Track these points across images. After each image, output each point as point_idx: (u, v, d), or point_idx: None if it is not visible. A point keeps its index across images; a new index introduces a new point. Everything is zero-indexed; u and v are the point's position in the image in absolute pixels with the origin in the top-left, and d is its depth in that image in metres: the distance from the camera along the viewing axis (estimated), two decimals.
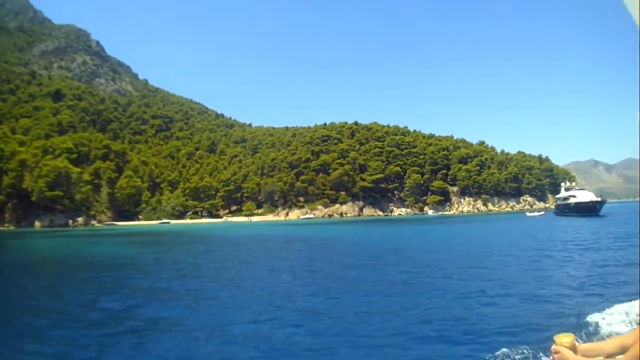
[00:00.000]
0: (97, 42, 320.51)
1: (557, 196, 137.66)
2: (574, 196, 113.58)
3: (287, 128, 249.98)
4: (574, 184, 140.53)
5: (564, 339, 2.72)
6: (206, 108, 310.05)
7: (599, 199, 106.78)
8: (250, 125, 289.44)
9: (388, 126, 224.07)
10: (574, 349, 2.92)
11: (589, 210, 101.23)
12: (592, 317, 12.17)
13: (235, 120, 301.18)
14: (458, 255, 32.17)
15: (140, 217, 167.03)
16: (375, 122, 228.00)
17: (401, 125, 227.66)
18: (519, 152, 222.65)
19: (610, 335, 10.32)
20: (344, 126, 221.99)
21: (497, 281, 20.05)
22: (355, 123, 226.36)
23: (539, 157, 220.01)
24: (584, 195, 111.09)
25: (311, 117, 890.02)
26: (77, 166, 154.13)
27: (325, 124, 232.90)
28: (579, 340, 3.28)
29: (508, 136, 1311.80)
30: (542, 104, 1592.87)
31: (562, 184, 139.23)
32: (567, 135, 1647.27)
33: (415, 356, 10.81)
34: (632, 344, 2.69)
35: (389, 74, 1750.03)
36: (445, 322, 13.41)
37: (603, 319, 12.06)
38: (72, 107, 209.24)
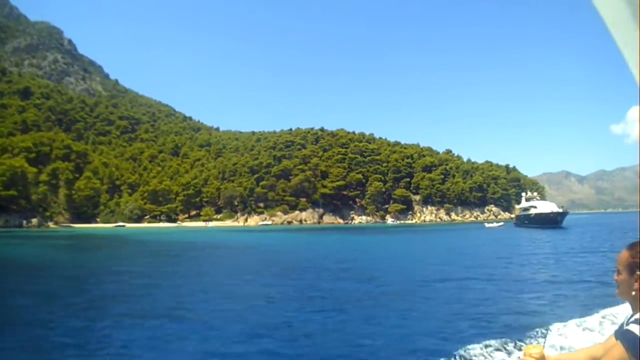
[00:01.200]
0: (70, 41, 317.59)
1: (518, 206, 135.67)
2: (535, 207, 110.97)
3: (253, 133, 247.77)
4: (535, 194, 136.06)
5: (532, 350, 2.77)
6: (174, 110, 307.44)
7: (560, 210, 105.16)
8: (217, 129, 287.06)
9: (353, 133, 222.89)
10: (542, 359, 2.85)
11: (549, 221, 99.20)
12: (561, 329, 11.99)
13: (202, 123, 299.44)
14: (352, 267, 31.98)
15: (98, 219, 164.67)
16: (341, 129, 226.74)
17: (367, 133, 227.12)
18: (486, 162, 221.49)
19: (579, 346, 9.00)
20: (308, 132, 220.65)
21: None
22: (322, 129, 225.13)
23: (506, 166, 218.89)
24: (545, 206, 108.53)
25: (280, 123, 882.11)
26: (36, 166, 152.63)
27: (291, 129, 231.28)
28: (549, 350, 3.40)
29: (478, 146, 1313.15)
30: (514, 115, 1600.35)
31: (523, 194, 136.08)
32: (539, 146, 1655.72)
33: None
34: (602, 356, 2.67)
35: (359, 80, 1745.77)
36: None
37: (572, 329, 12.02)
38: (38, 106, 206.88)
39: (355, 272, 29.54)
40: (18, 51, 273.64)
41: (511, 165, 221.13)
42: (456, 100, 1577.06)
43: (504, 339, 11.23)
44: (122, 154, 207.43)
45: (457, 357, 10.30)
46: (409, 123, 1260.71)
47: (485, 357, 10.23)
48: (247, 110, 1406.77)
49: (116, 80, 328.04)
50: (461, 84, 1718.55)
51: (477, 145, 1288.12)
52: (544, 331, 11.62)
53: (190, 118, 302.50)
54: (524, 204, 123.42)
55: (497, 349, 10.58)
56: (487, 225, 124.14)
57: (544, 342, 3.94)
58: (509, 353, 10.34)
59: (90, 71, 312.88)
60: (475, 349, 10.60)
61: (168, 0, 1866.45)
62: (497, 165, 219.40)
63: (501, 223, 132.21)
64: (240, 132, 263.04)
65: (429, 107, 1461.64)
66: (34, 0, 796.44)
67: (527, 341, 10.88)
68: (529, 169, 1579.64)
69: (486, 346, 10.75)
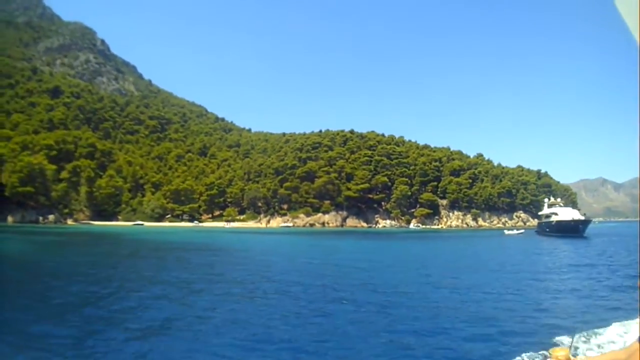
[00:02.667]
0: (103, 41, 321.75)
1: (540, 213, 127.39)
2: (556, 214, 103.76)
3: (284, 134, 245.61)
4: (559, 200, 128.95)
5: (559, 352, 2.90)
6: (206, 111, 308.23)
7: (582, 218, 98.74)
8: (249, 130, 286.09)
9: (383, 135, 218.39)
10: None
11: (570, 230, 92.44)
12: (587, 334, 12.71)
13: (234, 124, 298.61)
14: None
15: (119, 217, 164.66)
16: (372, 131, 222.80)
17: (397, 136, 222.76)
18: (518, 167, 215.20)
19: (604, 351, 10.74)
20: (337, 134, 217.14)
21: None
22: (351, 131, 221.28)
23: (538, 172, 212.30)
24: (566, 213, 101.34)
25: (312, 125, 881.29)
26: (58, 164, 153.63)
27: (320, 131, 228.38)
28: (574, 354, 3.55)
29: (512, 152, 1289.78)
30: (551, 121, 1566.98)
31: (546, 200, 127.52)
32: (576, 153, 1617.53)
33: None
34: (626, 359, 2.70)
35: (392, 84, 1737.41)
36: None
37: (597, 335, 12.69)
38: (68, 105, 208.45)
39: (308, 275, 29.45)
40: (50, 51, 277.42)
41: (543, 171, 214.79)
42: (491, 106, 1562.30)
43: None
44: (149, 152, 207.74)
45: None
46: (441, 128, 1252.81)
47: None
48: (280, 113, 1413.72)
49: (149, 81, 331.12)
50: (497, 91, 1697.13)
51: (511, 151, 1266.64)
52: (568, 338, 11.91)
53: (222, 119, 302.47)
54: (545, 210, 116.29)
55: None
56: (506, 232, 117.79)
57: (570, 346, 3.91)
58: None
59: (123, 71, 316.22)
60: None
61: (207, 3, 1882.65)
62: (529, 170, 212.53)
63: (521, 231, 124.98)
64: (271, 134, 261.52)
65: (462, 112, 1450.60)
66: (69, 1, 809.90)
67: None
68: (565, 176, 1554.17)
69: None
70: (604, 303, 19.36)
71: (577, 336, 12.05)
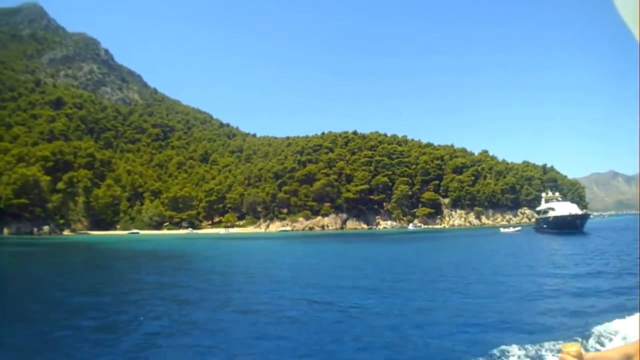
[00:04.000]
0: (106, 51, 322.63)
1: (537, 209, 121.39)
2: (553, 209, 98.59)
3: (287, 138, 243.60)
4: (557, 194, 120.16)
5: (570, 348, 3.02)
6: (211, 117, 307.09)
7: (580, 213, 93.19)
8: (254, 135, 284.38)
9: (385, 135, 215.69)
10: (580, 357, 2.99)
11: (567, 226, 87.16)
12: (599, 328, 12.57)
13: (239, 130, 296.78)
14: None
15: (118, 226, 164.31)
16: (375, 132, 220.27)
17: (401, 136, 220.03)
18: (524, 162, 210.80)
19: (617, 343, 10.58)
20: (339, 135, 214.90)
21: None
22: (354, 132, 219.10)
23: (543, 166, 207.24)
24: (563, 208, 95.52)
25: (317, 128, 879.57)
26: (54, 174, 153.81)
27: (323, 133, 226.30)
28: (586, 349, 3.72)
29: (524, 149, 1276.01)
30: (560, 116, 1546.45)
31: (543, 195, 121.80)
32: (586, 147, 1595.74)
33: None
34: (636, 353, 2.77)
35: (399, 84, 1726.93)
36: None
37: (609, 329, 12.53)
38: (70, 116, 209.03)
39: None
40: (54, 62, 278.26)
41: (549, 165, 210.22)
42: (498, 103, 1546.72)
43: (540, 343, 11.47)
44: (150, 161, 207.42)
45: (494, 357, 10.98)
46: (446, 127, 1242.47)
47: (526, 356, 10.81)
48: (286, 117, 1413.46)
49: (154, 89, 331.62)
50: (505, 88, 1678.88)
51: (519, 148, 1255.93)
52: (580, 332, 12.20)
53: (227, 125, 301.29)
54: (543, 205, 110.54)
55: (536, 350, 11.00)
56: (502, 230, 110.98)
57: (581, 341, 4.06)
58: (547, 352, 10.70)
59: (127, 80, 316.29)
60: (513, 349, 11.18)
61: (212, 8, 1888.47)
62: (534, 166, 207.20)
63: (518, 228, 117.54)
64: (276, 138, 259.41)
65: (468, 110, 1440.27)
66: (74, 12, 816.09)
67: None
68: (576, 171, 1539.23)
69: (523, 347, 11.24)
70: (605, 301, 18.98)
71: (588, 332, 12.24)
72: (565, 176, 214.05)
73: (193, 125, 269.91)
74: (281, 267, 39.94)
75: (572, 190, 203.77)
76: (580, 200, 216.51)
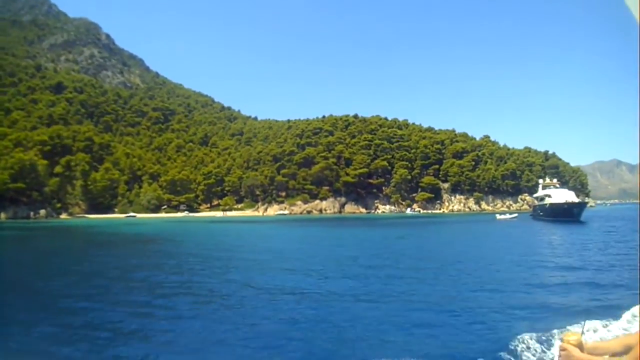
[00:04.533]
0: (107, 35, 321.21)
1: (535, 195, 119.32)
2: (549, 196, 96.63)
3: (288, 121, 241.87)
4: (555, 180, 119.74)
5: (571, 337, 3.08)
6: (213, 101, 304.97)
7: (577, 201, 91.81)
8: (255, 118, 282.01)
9: (386, 119, 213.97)
10: (580, 346, 3.05)
11: (563, 213, 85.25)
12: (600, 317, 12.65)
13: (240, 113, 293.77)
14: None
15: (116, 210, 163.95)
16: (376, 116, 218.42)
17: (401, 119, 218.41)
18: (525, 148, 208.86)
19: (616, 334, 10.93)
20: (340, 119, 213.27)
21: None
22: (355, 116, 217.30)
23: (545, 153, 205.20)
24: (560, 195, 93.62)
25: (319, 111, 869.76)
26: (52, 159, 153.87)
27: (324, 116, 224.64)
28: (586, 338, 3.75)
29: (528, 136, 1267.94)
30: (565, 104, 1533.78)
31: (540, 181, 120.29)
32: (590, 135, 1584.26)
33: None
34: (636, 344, 2.86)
35: (402, 69, 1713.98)
36: None
37: (610, 319, 12.64)
38: (70, 100, 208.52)
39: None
40: (55, 47, 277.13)
41: (551, 152, 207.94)
42: (503, 90, 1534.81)
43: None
44: (150, 144, 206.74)
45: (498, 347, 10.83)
46: (449, 112, 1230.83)
47: (527, 346, 10.80)
48: (287, 100, 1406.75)
49: (156, 73, 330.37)
50: (510, 75, 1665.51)
51: (523, 135, 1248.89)
52: (582, 322, 11.26)
53: (229, 108, 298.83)
54: (540, 192, 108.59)
55: (537, 340, 11.09)
56: (498, 217, 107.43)
57: (582, 330, 4.03)
58: (549, 341, 10.95)
59: (129, 65, 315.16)
60: (514, 339, 11.13)
61: None
62: (536, 152, 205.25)
63: (515, 215, 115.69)
64: (276, 121, 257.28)
65: (472, 96, 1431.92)
66: None
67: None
68: (580, 158, 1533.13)
69: (523, 339, 11.16)
70: (604, 292, 18.25)
71: (587, 321, 11.53)
72: (568, 163, 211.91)
73: (194, 108, 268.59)
74: (252, 250, 39.77)
75: (573, 178, 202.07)
76: (582, 188, 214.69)
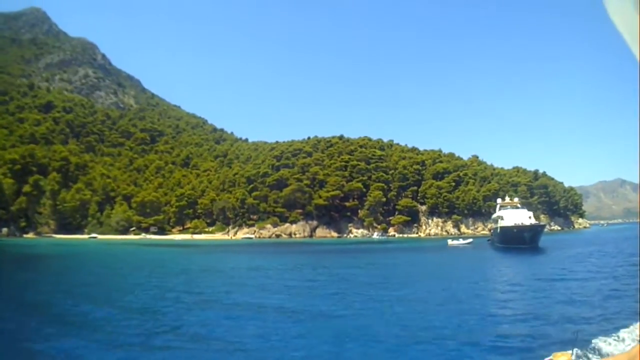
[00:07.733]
0: (104, 55, 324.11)
1: (492, 217, 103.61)
2: (502, 218, 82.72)
3: (277, 142, 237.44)
4: (515, 200, 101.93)
5: (560, 358, 3.10)
6: (205, 122, 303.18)
7: (530, 224, 75.83)
8: (246, 140, 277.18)
9: (369, 139, 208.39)
10: None
11: (514, 240, 71.16)
12: (588, 338, 12.93)
13: (231, 134, 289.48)
14: None
15: (85, 230, 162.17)
16: (365, 137, 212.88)
17: (386, 140, 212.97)
18: (514, 168, 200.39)
19: (606, 355, 11.48)
20: (322, 140, 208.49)
21: None
22: (340, 137, 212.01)
23: (535, 172, 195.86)
24: (512, 217, 79.80)
25: (306, 132, 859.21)
26: (23, 178, 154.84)
27: (308, 137, 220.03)
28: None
29: (528, 158, 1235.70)
30: (566, 124, 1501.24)
31: (499, 200, 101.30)
32: (593, 155, 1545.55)
33: None
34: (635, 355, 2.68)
35: (392, 90, 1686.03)
36: None
37: (599, 339, 12.92)
38: (56, 120, 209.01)
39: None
40: (50, 67, 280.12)
41: (541, 171, 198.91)
42: (500, 110, 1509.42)
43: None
44: (130, 164, 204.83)
45: None
46: (439, 133, 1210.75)
47: None
48: (281, 122, 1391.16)
49: (151, 94, 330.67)
50: (507, 95, 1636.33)
51: (523, 157, 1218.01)
52: (572, 340, 11.94)
53: (221, 130, 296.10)
54: (497, 213, 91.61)
55: None
56: (450, 243, 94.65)
57: (572, 351, 4.37)
58: None
59: (124, 85, 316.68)
60: None
61: (215, 10, 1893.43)
62: (524, 171, 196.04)
63: (469, 240, 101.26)
64: (265, 143, 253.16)
65: (462, 117, 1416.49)
66: (77, 16, 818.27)
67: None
68: (583, 179, 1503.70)
69: None
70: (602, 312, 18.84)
71: (578, 343, 11.94)
72: (561, 182, 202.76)
73: (183, 130, 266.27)
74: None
75: (565, 197, 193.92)
76: (574, 209, 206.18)
